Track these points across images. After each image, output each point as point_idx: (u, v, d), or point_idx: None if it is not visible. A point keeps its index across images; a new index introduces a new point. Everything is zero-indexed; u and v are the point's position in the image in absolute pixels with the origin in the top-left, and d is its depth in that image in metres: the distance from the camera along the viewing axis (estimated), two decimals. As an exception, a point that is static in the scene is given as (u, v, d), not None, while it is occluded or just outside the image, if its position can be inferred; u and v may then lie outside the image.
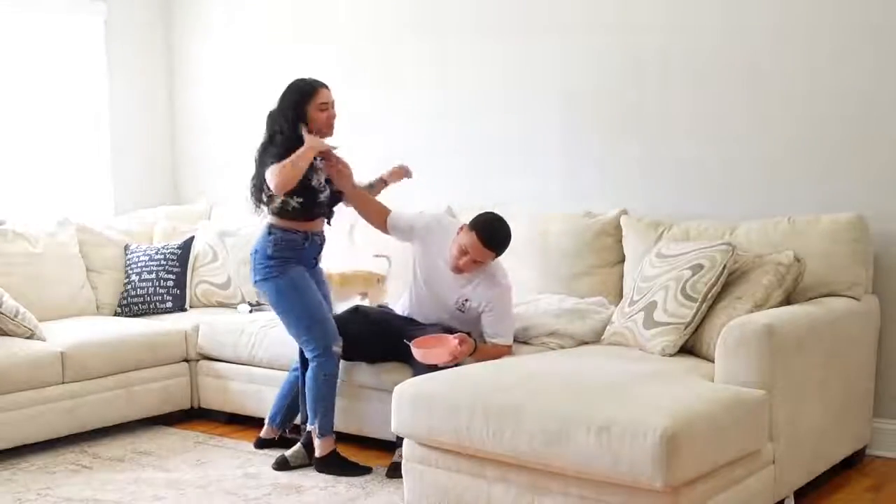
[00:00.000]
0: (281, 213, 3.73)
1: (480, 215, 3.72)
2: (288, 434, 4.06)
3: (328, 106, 3.74)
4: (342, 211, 3.97)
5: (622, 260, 4.09)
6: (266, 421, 4.07)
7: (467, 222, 3.71)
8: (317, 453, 3.71)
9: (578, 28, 4.44)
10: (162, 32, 5.93)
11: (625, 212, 4.17)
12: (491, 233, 3.65)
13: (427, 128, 4.90)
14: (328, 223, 3.89)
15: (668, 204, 4.20)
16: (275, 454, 3.87)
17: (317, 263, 3.91)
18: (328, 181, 3.80)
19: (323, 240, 3.90)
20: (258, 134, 5.57)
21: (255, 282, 3.84)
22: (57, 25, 5.41)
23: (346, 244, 4.59)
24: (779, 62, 3.96)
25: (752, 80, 4.02)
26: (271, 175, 3.59)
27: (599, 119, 4.42)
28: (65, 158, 5.48)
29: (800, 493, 3.26)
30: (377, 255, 4.42)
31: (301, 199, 3.70)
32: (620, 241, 4.10)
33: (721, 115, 4.10)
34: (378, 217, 3.91)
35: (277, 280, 3.73)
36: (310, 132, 3.68)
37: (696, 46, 4.15)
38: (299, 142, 3.64)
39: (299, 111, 3.70)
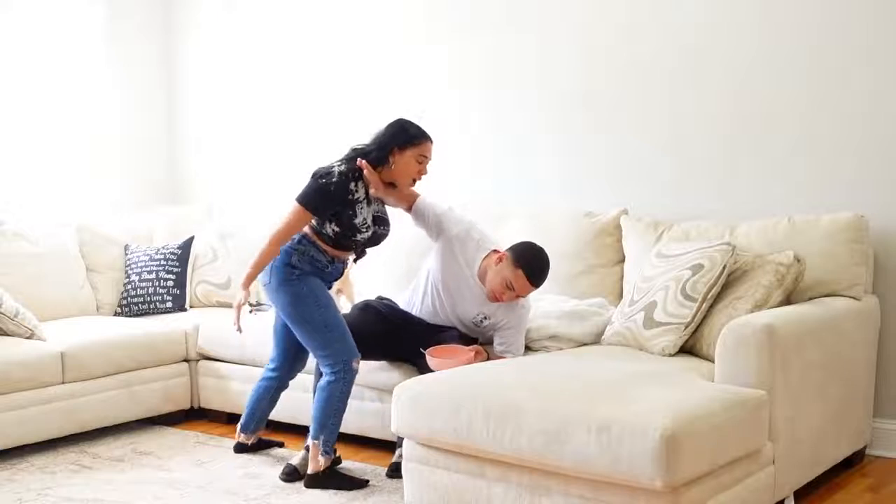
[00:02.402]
0: (316, 230, 3.58)
1: (523, 250, 3.62)
2: (263, 436, 4.03)
3: (424, 160, 3.58)
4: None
5: (622, 260, 4.09)
6: (238, 429, 3.97)
7: (508, 251, 3.62)
8: (310, 469, 3.54)
9: (580, 27, 4.45)
10: (161, 32, 5.93)
11: (625, 212, 4.17)
12: (538, 271, 3.60)
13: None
14: (355, 261, 3.76)
15: (668, 204, 4.21)
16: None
17: (331, 287, 3.75)
18: (377, 220, 3.62)
19: (345, 266, 3.74)
20: (258, 134, 5.64)
21: (267, 284, 3.58)
22: (56, 25, 5.40)
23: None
24: (778, 62, 3.96)
25: (752, 80, 4.02)
26: (293, 205, 3.49)
27: (600, 119, 4.42)
28: (65, 158, 5.47)
29: (800, 493, 3.26)
30: None
31: (337, 230, 3.55)
32: (620, 241, 4.10)
33: (721, 115, 4.11)
34: (406, 200, 3.75)
35: (298, 285, 3.53)
36: (377, 170, 3.55)
37: (695, 46, 4.15)
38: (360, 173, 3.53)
39: (394, 149, 3.55)
